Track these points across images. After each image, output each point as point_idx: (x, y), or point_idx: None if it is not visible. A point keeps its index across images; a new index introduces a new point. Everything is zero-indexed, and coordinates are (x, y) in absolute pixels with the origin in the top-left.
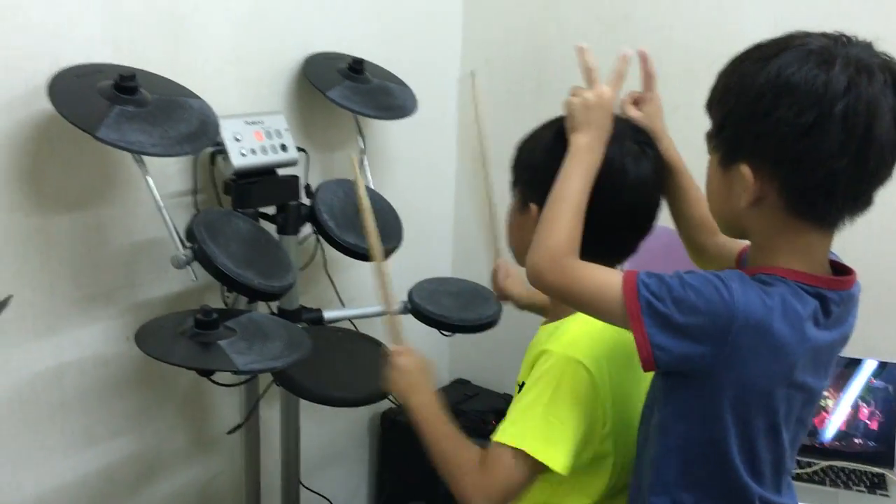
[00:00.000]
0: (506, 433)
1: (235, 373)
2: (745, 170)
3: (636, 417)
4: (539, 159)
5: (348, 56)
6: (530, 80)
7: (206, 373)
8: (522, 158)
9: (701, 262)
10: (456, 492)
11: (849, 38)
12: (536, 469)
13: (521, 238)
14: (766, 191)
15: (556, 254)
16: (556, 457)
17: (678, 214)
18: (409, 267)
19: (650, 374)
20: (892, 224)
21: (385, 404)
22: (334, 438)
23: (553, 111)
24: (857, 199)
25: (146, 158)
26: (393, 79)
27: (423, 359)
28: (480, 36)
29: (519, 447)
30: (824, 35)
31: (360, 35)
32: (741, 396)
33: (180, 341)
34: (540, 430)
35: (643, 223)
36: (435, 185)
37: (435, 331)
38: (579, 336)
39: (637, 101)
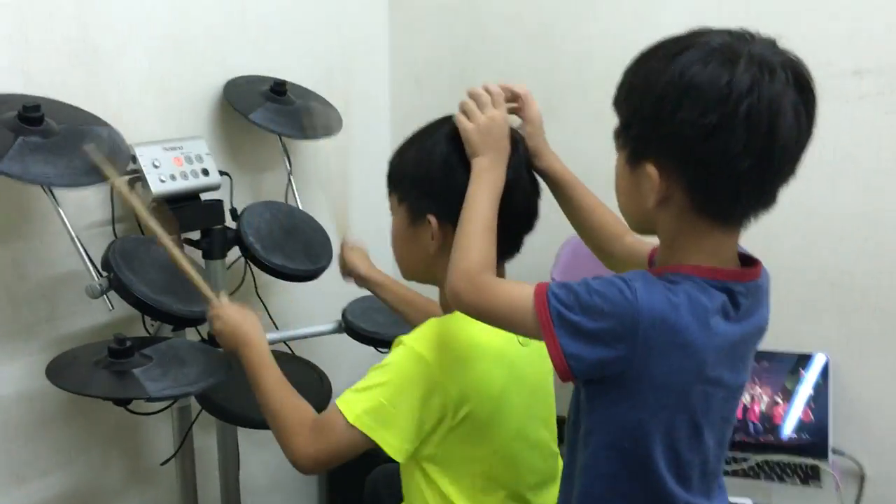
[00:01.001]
0: (346, 401)
1: (148, 400)
2: (651, 169)
3: (514, 417)
4: (436, 172)
5: (270, 78)
6: (460, 97)
7: (122, 402)
8: (409, 172)
9: (613, 267)
10: (284, 449)
11: (752, 35)
12: (367, 446)
13: (412, 251)
14: (672, 190)
15: (470, 273)
16: (388, 440)
17: (578, 225)
18: (348, 287)
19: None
20: (813, 225)
21: None
22: (277, 465)
23: None
24: (762, 198)
25: (62, 190)
26: (317, 98)
27: (246, 311)
28: (408, 56)
29: (354, 423)
30: (728, 32)
31: (284, 57)
32: (658, 397)
33: (94, 372)
34: (376, 411)
35: (526, 221)
36: (368, 204)
37: (372, 349)
38: (434, 333)
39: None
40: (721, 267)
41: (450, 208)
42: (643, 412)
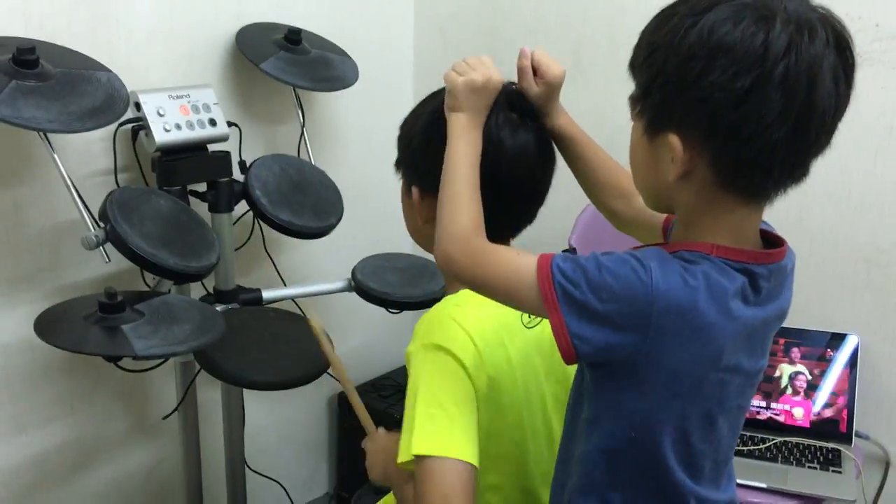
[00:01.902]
0: (403, 450)
1: (135, 358)
2: (674, 140)
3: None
4: (417, 140)
5: (285, 26)
6: (485, 50)
7: (112, 358)
8: (402, 144)
9: (621, 227)
10: None
11: None
12: (460, 471)
13: (411, 222)
14: (695, 163)
15: (463, 237)
16: (453, 443)
17: (585, 182)
18: (361, 245)
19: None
20: (852, 197)
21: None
22: (288, 420)
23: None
24: (795, 171)
25: (63, 136)
26: (334, 49)
27: (391, 437)
28: (433, 6)
29: (417, 454)
30: None
31: (301, 4)
32: (670, 386)
33: (83, 326)
34: (425, 427)
35: (530, 193)
36: (387, 160)
37: (382, 309)
38: (432, 324)
39: (536, 73)
40: (742, 247)
41: (432, 181)
42: (653, 401)
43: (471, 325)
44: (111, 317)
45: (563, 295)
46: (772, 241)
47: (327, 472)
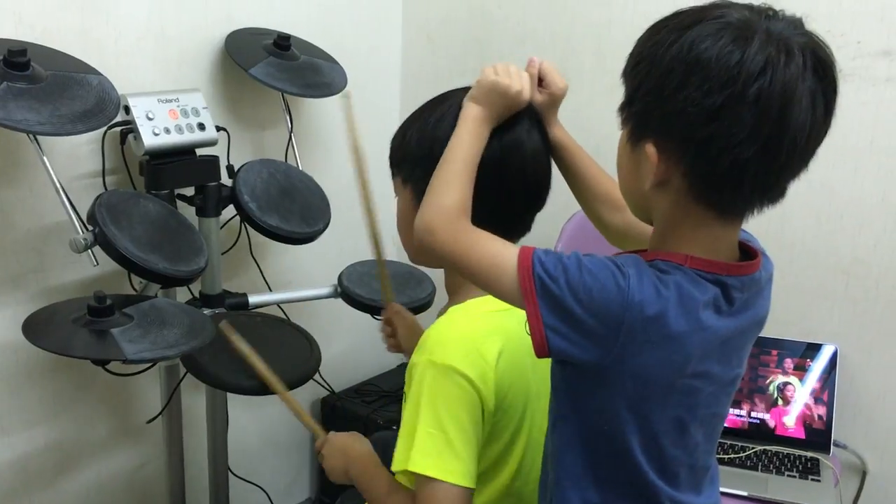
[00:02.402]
0: (398, 461)
1: (125, 362)
2: (650, 149)
3: (539, 406)
4: (439, 150)
5: (274, 32)
6: (472, 57)
7: (101, 362)
8: (412, 152)
9: (612, 240)
10: None
11: (775, 12)
12: (450, 490)
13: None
14: (671, 173)
15: (452, 213)
16: (448, 468)
17: (579, 193)
18: (347, 251)
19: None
20: (832, 210)
21: (324, 391)
22: (271, 424)
23: None
24: (767, 191)
25: (51, 138)
26: (322, 55)
27: (344, 436)
28: (422, 13)
29: (413, 470)
30: (748, 7)
31: (292, 11)
32: (638, 390)
33: (72, 329)
34: (425, 446)
35: (541, 196)
36: (376, 165)
37: (367, 315)
38: (441, 337)
39: (540, 83)
40: (715, 259)
41: None
42: (621, 401)
43: (480, 339)
44: (100, 320)
45: (542, 287)
46: (749, 252)
47: (308, 478)
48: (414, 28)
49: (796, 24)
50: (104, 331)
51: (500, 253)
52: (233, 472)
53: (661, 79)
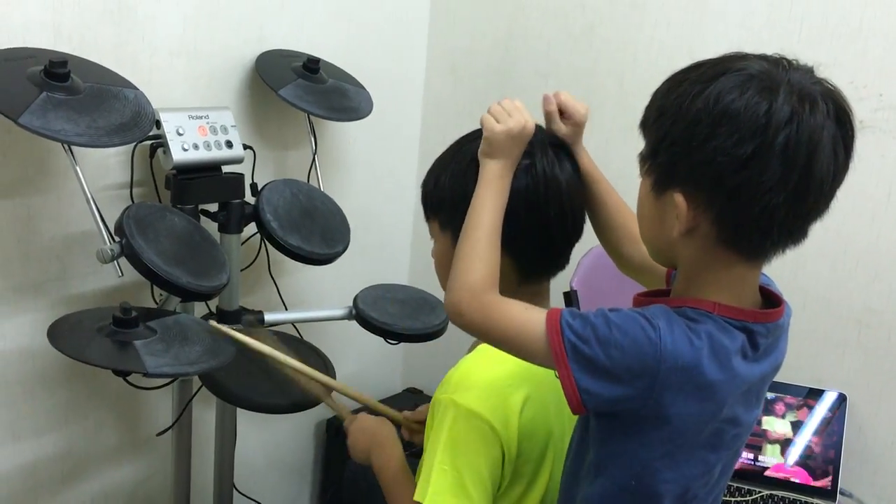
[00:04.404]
0: (419, 493)
1: (145, 375)
2: (679, 198)
3: (562, 448)
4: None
5: (304, 55)
6: (494, 90)
7: (121, 373)
8: (447, 196)
9: (627, 272)
10: None
11: (790, 62)
12: None
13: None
14: (699, 221)
15: (476, 290)
16: None
17: (598, 223)
18: (363, 273)
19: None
20: (847, 258)
21: (330, 412)
22: (276, 443)
23: None
24: (793, 234)
25: (83, 149)
26: (350, 80)
27: (374, 419)
28: (447, 43)
29: None
30: (764, 58)
31: (322, 35)
32: (672, 437)
33: (95, 338)
34: (439, 483)
35: (578, 225)
36: (394, 191)
37: (380, 339)
38: (465, 378)
39: (562, 114)
40: (742, 307)
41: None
42: (655, 450)
43: (506, 386)
44: (124, 331)
45: (573, 350)
46: (770, 297)
47: (308, 498)
48: (438, 57)
49: (811, 73)
50: (127, 342)
51: (528, 321)
52: (236, 489)
53: (689, 130)
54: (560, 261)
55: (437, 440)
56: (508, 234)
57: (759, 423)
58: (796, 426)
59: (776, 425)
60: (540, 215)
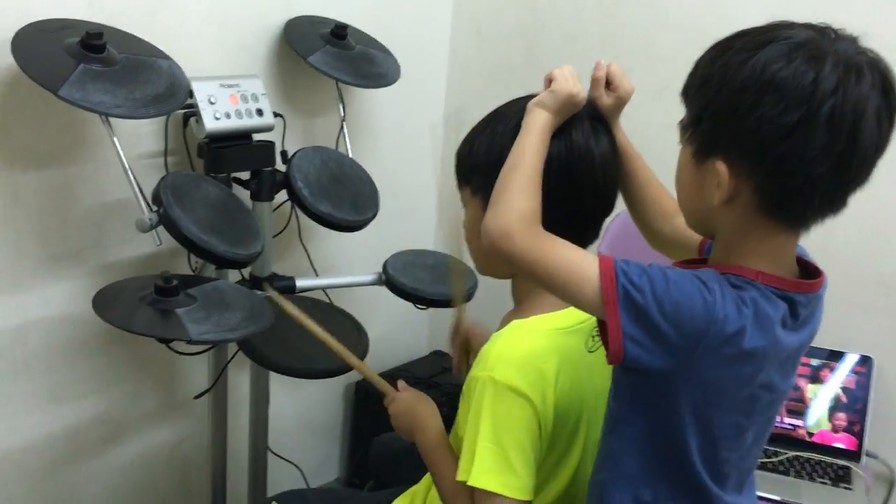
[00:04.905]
0: (462, 471)
1: (189, 342)
2: (721, 166)
3: (595, 417)
4: None
5: (332, 21)
6: (520, 53)
7: (165, 340)
8: (481, 162)
9: (657, 246)
10: None
11: (836, 32)
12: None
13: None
14: (740, 189)
15: (529, 218)
16: (508, 483)
17: (630, 197)
18: (389, 238)
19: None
20: (878, 223)
21: (357, 375)
22: (307, 406)
23: (542, 86)
24: (834, 202)
25: (118, 119)
26: (377, 46)
27: (422, 395)
28: (472, 5)
29: (474, 485)
30: (810, 27)
31: (347, 0)
32: (706, 397)
33: (138, 307)
34: (484, 461)
35: (610, 201)
36: (420, 156)
37: (409, 304)
38: (503, 354)
39: (608, 86)
40: (785, 276)
41: None
42: (687, 406)
43: (540, 358)
44: (166, 300)
45: (625, 296)
46: (807, 267)
47: (338, 459)
48: (463, 21)
49: (856, 42)
50: (169, 310)
51: (580, 260)
52: (270, 450)
53: (734, 98)
54: (589, 233)
55: (477, 417)
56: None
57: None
58: (823, 389)
59: (804, 388)
60: (570, 185)
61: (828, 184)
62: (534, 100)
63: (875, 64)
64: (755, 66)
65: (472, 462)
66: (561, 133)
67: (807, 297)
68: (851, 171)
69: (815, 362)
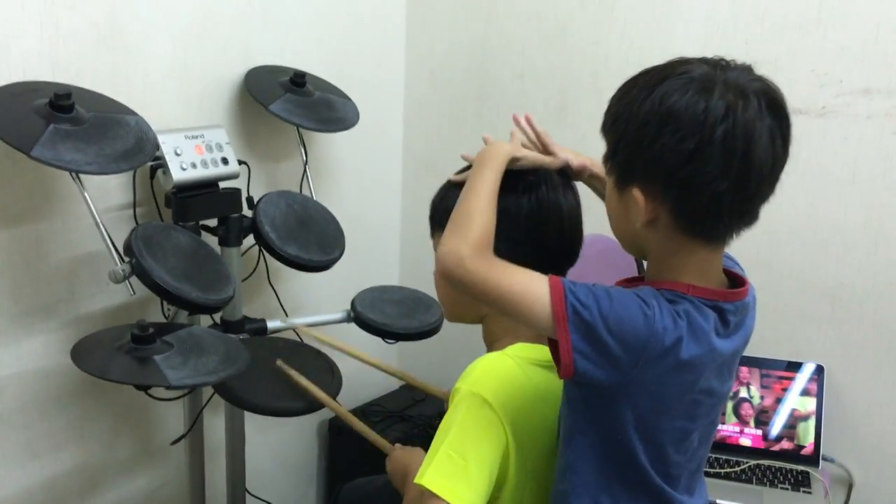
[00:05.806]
0: (420, 473)
1: (168, 388)
2: (637, 193)
3: (546, 452)
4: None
5: (290, 69)
6: (472, 91)
7: (143, 387)
8: (452, 204)
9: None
10: None
11: (727, 63)
12: None
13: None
14: (658, 212)
15: (479, 244)
16: (457, 491)
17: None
18: (355, 276)
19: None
20: (818, 237)
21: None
22: (282, 445)
23: (494, 122)
24: (743, 217)
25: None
26: (335, 91)
27: (404, 458)
28: (424, 49)
29: (424, 485)
30: (705, 61)
31: (303, 48)
32: (650, 405)
33: (116, 356)
34: (442, 466)
35: (575, 251)
36: (381, 194)
37: (379, 339)
38: (487, 372)
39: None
40: (712, 287)
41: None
42: (632, 416)
43: (522, 380)
44: (144, 347)
45: (574, 313)
46: (734, 278)
47: (314, 496)
48: (417, 64)
49: (748, 71)
50: (147, 357)
51: (530, 282)
52: (248, 491)
53: (639, 131)
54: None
55: (448, 426)
56: (508, 251)
57: (745, 397)
58: (778, 398)
59: (760, 398)
60: (537, 234)
61: (732, 200)
62: (492, 142)
63: (762, 89)
64: (654, 101)
65: (430, 465)
66: (537, 188)
67: (735, 305)
68: (751, 187)
69: (770, 373)
